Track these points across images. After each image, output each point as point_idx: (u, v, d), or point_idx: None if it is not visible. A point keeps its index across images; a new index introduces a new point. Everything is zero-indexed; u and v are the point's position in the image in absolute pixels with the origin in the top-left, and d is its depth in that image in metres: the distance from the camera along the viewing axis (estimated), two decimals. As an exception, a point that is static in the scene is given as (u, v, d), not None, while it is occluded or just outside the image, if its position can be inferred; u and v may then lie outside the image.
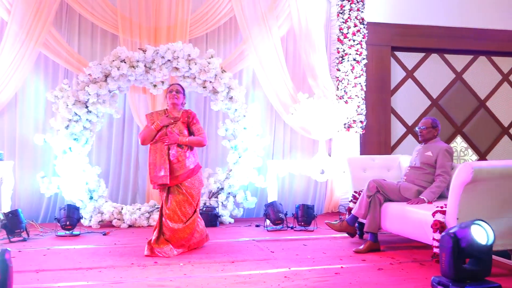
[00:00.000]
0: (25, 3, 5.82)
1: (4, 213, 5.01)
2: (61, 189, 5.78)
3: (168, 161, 4.41)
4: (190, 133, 4.61)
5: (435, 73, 7.78)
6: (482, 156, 7.97)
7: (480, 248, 3.15)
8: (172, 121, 4.53)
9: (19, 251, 4.50)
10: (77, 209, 5.39)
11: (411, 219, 4.23)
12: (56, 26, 6.07)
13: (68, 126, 5.70)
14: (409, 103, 7.67)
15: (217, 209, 5.90)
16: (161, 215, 4.51)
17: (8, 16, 5.82)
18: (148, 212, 5.83)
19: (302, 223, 5.57)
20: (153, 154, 4.49)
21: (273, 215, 5.56)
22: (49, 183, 5.77)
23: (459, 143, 7.93)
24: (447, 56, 7.83)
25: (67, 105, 5.66)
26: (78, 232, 5.28)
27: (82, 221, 5.62)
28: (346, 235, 5.03)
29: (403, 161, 5.41)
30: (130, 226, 5.73)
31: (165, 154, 4.43)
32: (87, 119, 5.77)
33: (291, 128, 6.77)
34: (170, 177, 4.41)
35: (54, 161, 5.84)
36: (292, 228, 5.61)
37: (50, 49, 5.97)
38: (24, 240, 4.96)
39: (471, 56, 7.92)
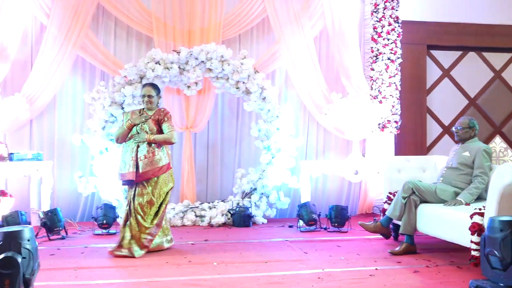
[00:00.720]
0: (63, 7, 5.98)
1: (43, 211, 5.15)
2: (98, 189, 5.90)
3: (136, 158, 4.43)
4: (161, 131, 4.59)
5: (473, 72, 7.58)
6: (522, 157, 7.75)
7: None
8: (144, 120, 4.55)
9: (58, 249, 4.61)
10: (114, 208, 5.49)
11: (448, 221, 4.14)
12: (93, 29, 6.20)
13: (104, 127, 5.81)
14: (445, 103, 7.51)
15: (250, 209, 5.92)
16: (128, 214, 4.46)
17: (47, 20, 5.98)
18: (182, 212, 5.89)
19: (336, 224, 5.53)
20: (124, 152, 4.52)
21: (306, 215, 5.53)
22: (86, 183, 5.90)
23: (498, 143, 7.72)
24: (485, 54, 7.62)
25: (104, 107, 5.77)
26: (114, 231, 5.37)
27: (118, 220, 5.70)
28: (381, 236, 4.96)
29: (439, 161, 5.30)
30: (164, 225, 5.79)
31: (134, 151, 4.46)
32: (122, 120, 5.86)
33: (324, 129, 6.72)
34: (138, 174, 4.42)
35: (91, 161, 5.97)
36: (325, 229, 5.58)
37: (87, 52, 6.11)
38: (63, 238, 5.09)
39: (511, 54, 7.69)
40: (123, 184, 4.58)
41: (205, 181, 6.56)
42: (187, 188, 6.19)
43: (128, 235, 4.40)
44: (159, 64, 5.79)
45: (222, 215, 5.89)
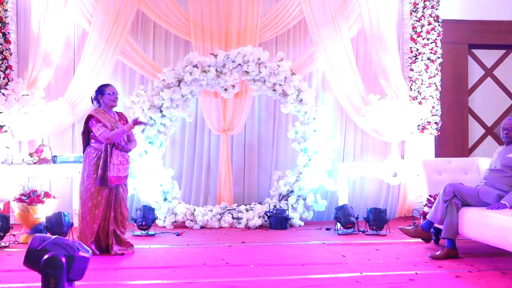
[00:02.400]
0: (104, 14, 6.12)
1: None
2: (137, 191, 6.00)
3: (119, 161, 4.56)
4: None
5: (517, 71, 7.33)
6: None
7: None
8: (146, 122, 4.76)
9: (99, 249, 4.71)
10: (152, 210, 5.57)
11: (491, 225, 4.00)
12: (132, 34, 6.33)
13: (143, 130, 5.91)
14: (488, 103, 7.28)
15: (287, 211, 5.90)
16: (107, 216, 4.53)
17: (89, 26, 6.14)
18: (220, 214, 5.92)
19: (374, 227, 5.44)
20: (115, 155, 4.51)
21: (344, 218, 5.47)
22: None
23: (544, 145, 7.41)
24: (530, 52, 7.37)
25: (143, 110, 5.87)
26: (153, 232, 5.46)
27: (157, 221, 5.79)
28: (421, 240, 4.85)
29: (482, 163, 5.14)
30: (202, 227, 5.85)
31: (120, 154, 4.55)
32: (161, 123, 5.96)
33: (362, 130, 6.63)
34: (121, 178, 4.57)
35: (131, 163, 6.06)
36: (363, 232, 5.50)
37: (127, 57, 6.23)
38: (104, 238, 5.19)
39: (557, 52, 7.40)
40: (112, 185, 4.51)
41: (242, 183, 6.58)
42: (224, 190, 6.22)
43: None
44: (197, 67, 5.84)
45: (259, 217, 5.89)
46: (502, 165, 4.45)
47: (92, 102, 4.70)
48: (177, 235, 5.43)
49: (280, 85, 5.98)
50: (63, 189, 6.14)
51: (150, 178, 5.91)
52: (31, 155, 5.81)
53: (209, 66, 5.87)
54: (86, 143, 4.59)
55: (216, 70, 5.91)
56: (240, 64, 5.92)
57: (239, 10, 6.32)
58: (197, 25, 6.27)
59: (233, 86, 6.02)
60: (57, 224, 4.98)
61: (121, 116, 4.75)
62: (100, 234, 4.54)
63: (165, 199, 5.93)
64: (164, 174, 5.98)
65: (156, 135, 5.96)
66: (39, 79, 5.99)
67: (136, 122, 4.57)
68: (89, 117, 4.49)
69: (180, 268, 4.02)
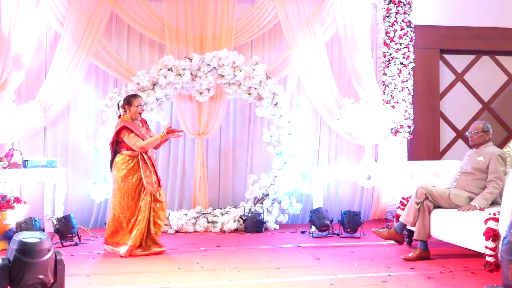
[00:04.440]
0: (77, 16, 6.04)
1: (57, 218, 5.19)
2: (111, 195, 5.92)
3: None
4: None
5: (486, 76, 7.50)
6: (538, 161, 7.63)
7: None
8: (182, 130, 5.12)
9: (71, 255, 4.64)
10: (126, 214, 5.51)
11: (462, 227, 4.11)
12: (106, 36, 6.26)
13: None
14: (459, 107, 7.44)
15: (262, 215, 5.91)
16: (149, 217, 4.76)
17: (62, 28, 6.05)
18: (195, 218, 5.90)
19: (348, 230, 5.50)
20: (153, 158, 4.81)
21: (318, 221, 5.51)
22: (99, 189, 5.94)
23: (512, 148, 7.62)
24: (498, 58, 7.55)
25: (117, 113, 5.81)
26: (127, 237, 5.40)
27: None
28: (394, 242, 4.92)
29: (453, 166, 5.25)
30: (176, 231, 5.82)
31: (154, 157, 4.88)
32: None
33: (336, 134, 6.70)
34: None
35: (104, 167, 6.00)
36: (338, 234, 5.55)
37: (100, 59, 6.16)
38: (76, 244, 5.12)
39: (525, 58, 7.62)
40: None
41: (217, 187, 6.57)
42: (199, 194, 6.20)
43: None
44: (172, 70, 5.82)
45: (234, 221, 5.89)
46: (472, 168, 4.56)
47: (118, 109, 4.98)
48: (151, 239, 5.38)
49: (255, 88, 6.00)
50: (34, 194, 6.02)
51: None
52: (0, 159, 5.69)
53: (184, 69, 5.85)
54: (114, 152, 4.77)
55: (191, 74, 5.90)
56: (215, 67, 5.92)
57: (214, 14, 6.32)
58: (172, 28, 6.24)
59: (208, 89, 6.02)
60: (27, 229, 4.88)
61: (142, 122, 4.91)
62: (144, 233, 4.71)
63: (139, 204, 5.87)
64: (138, 178, 5.92)
65: (130, 138, 5.90)
66: (9, 81, 5.86)
67: (170, 131, 4.73)
68: (121, 129, 4.67)
69: (154, 273, 3.99)
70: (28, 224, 4.91)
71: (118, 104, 5.01)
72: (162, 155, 6.45)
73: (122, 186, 4.66)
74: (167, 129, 4.74)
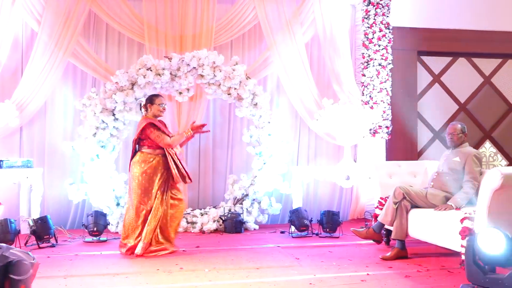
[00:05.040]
0: (54, 14, 5.96)
1: (33, 219, 5.11)
2: (88, 196, 5.87)
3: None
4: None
5: (463, 77, 7.64)
6: (511, 162, 7.80)
7: (490, 258, 3.10)
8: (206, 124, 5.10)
9: (48, 257, 4.58)
10: (104, 215, 5.46)
11: (439, 226, 4.16)
12: (84, 35, 6.19)
13: (95, 133, 5.79)
14: (436, 108, 7.55)
15: (241, 215, 5.91)
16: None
17: (38, 26, 5.96)
18: (174, 218, 5.87)
19: (328, 230, 5.53)
20: (177, 154, 4.83)
21: (298, 221, 5.53)
22: (77, 190, 5.87)
23: (488, 148, 7.77)
24: (475, 60, 7.69)
25: (95, 113, 5.76)
26: (105, 238, 5.35)
27: (109, 227, 5.69)
28: (372, 242, 4.97)
29: (430, 167, 5.32)
30: (156, 232, 5.77)
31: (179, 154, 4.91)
32: (114, 127, 5.86)
33: (316, 134, 6.74)
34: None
35: (82, 168, 5.94)
36: (317, 234, 5.58)
37: (78, 59, 6.09)
38: (53, 246, 5.05)
39: (500, 60, 7.76)
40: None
41: (196, 187, 6.54)
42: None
43: None
44: (151, 70, 5.78)
45: (214, 221, 5.88)
46: (448, 169, 4.63)
47: (140, 109, 5.02)
48: (130, 240, 5.33)
49: (235, 89, 6.00)
50: (10, 195, 5.90)
51: (102, 183, 5.79)
52: (-25, 159, 5.58)
53: (164, 69, 5.82)
54: (135, 150, 4.84)
55: (171, 73, 5.87)
56: (195, 67, 5.90)
57: (194, 13, 6.30)
58: (151, 27, 6.20)
59: (188, 89, 6.00)
60: (2, 231, 4.80)
61: (162, 123, 4.96)
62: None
63: (118, 204, 5.83)
64: (117, 178, 5.88)
65: (108, 138, 5.85)
66: (-16, 80, 5.77)
67: (194, 127, 4.85)
68: (147, 126, 4.72)
69: (133, 274, 3.96)
70: (4, 226, 4.83)
71: (140, 104, 5.08)
72: (141, 156, 6.40)
73: (142, 183, 4.70)
74: (191, 126, 4.87)
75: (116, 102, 5.74)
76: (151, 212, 4.68)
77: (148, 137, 4.72)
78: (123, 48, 6.40)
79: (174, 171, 4.72)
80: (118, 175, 5.92)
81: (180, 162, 4.80)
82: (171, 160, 4.74)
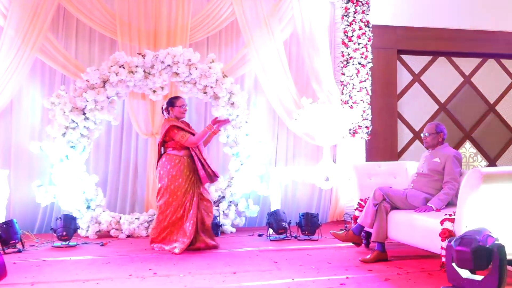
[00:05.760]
0: (21, 8, 5.85)
1: (-2, 223, 5.01)
2: (57, 199, 5.77)
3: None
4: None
5: (443, 77, 7.77)
6: (491, 162, 7.94)
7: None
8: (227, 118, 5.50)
9: (14, 263, 4.48)
10: (74, 219, 5.38)
11: (418, 228, 4.21)
12: (52, 31, 6.09)
13: (65, 133, 5.70)
14: (416, 108, 7.66)
15: (218, 218, 5.88)
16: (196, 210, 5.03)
17: (4, 21, 5.84)
18: (147, 222, 5.82)
19: (306, 232, 5.55)
20: (202, 154, 5.06)
21: (276, 224, 5.54)
22: (45, 192, 5.76)
23: (468, 149, 7.91)
24: (455, 59, 7.82)
25: (64, 112, 5.67)
26: (74, 243, 5.27)
27: (79, 231, 5.61)
28: (352, 244, 5.00)
29: (410, 167, 5.39)
30: (128, 236, 5.73)
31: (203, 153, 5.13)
32: (84, 126, 5.78)
33: (294, 134, 6.76)
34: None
35: (51, 169, 5.84)
36: (295, 237, 5.59)
37: (46, 55, 5.99)
38: (19, 251, 4.95)
39: (480, 59, 7.92)
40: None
41: (171, 189, 6.50)
42: (153, 197, 6.09)
43: None
44: (123, 67, 5.72)
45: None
46: (428, 170, 4.69)
47: (162, 112, 5.26)
48: (101, 245, 5.28)
49: (211, 87, 5.98)
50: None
51: (72, 185, 5.70)
52: None
53: (137, 66, 5.76)
54: (161, 152, 5.11)
55: (144, 71, 5.82)
56: (169, 65, 5.86)
57: (168, 9, 6.26)
58: (124, 23, 6.13)
59: (162, 88, 5.95)
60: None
61: (184, 123, 5.19)
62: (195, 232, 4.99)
63: (88, 207, 5.75)
64: (88, 180, 5.80)
65: (78, 139, 5.77)
66: None
67: (216, 121, 5.08)
68: (170, 128, 4.97)
69: (104, 280, 3.90)
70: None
71: (162, 107, 5.28)
72: (113, 156, 6.35)
73: (169, 185, 4.96)
74: (213, 121, 5.10)
75: (87, 101, 5.66)
76: (185, 213, 4.96)
77: (172, 138, 4.99)
78: (94, 44, 6.32)
79: (201, 171, 4.98)
80: (89, 176, 5.84)
81: (205, 162, 5.01)
82: (198, 160, 4.98)
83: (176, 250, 4.84)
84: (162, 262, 4.49)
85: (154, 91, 5.94)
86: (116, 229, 5.73)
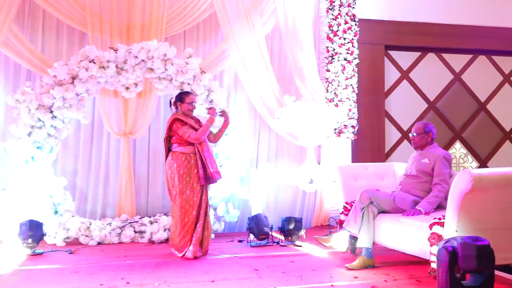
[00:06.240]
0: (-18, -2, 5.77)
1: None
2: (22, 203, 5.69)
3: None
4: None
5: (432, 74, 7.85)
6: (482, 163, 8.04)
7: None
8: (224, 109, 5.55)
9: (-25, 272, 4.42)
10: (40, 225, 5.32)
11: (407, 232, 4.24)
12: (17, 23, 6.02)
13: (30, 133, 5.64)
14: (404, 106, 7.72)
15: (196, 223, 5.87)
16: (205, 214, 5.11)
17: (-36, 12, 5.76)
18: (120, 228, 5.78)
19: (289, 238, 5.56)
20: (207, 151, 5.10)
21: (257, 229, 5.54)
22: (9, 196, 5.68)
23: (458, 149, 8.00)
24: (444, 55, 7.91)
25: (30, 110, 5.59)
26: (41, 251, 5.22)
27: (45, 238, 5.55)
28: (337, 250, 5.02)
29: (398, 169, 5.43)
30: (99, 243, 5.69)
31: (210, 151, 5.18)
32: (51, 126, 5.71)
33: (276, 134, 6.77)
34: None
35: (15, 172, 5.75)
36: (278, 243, 5.60)
37: (10, 48, 5.92)
38: (-19, 260, 4.88)
39: (471, 56, 8.01)
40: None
41: (145, 192, 6.47)
42: (125, 201, 6.09)
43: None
44: (94, 62, 5.67)
45: (165, 230, 5.82)
46: (417, 171, 4.73)
47: (170, 106, 5.30)
48: (69, 253, 5.23)
49: (188, 84, 5.96)
50: None
51: (38, 188, 5.63)
52: None
53: (108, 61, 5.72)
54: (168, 149, 5.15)
55: (117, 67, 5.77)
56: (143, 60, 5.82)
57: (143, 0, 6.22)
58: (95, 15, 6.08)
59: (136, 84, 5.91)
60: None
61: (195, 120, 5.24)
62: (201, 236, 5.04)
63: (56, 212, 5.69)
64: (55, 183, 5.74)
65: (45, 139, 5.70)
66: None
67: (212, 111, 5.17)
68: (174, 121, 5.04)
69: (72, 291, 3.86)
70: None
71: (170, 101, 5.30)
72: (83, 157, 6.30)
73: (178, 185, 5.01)
74: (210, 111, 5.21)
75: (54, 98, 5.60)
76: (196, 214, 5.02)
77: (176, 133, 5.03)
78: (62, 37, 6.27)
79: (200, 171, 5.01)
80: (56, 179, 5.78)
81: (206, 161, 5.02)
82: (199, 158, 5.02)
83: (189, 254, 4.92)
84: (135, 270, 4.45)
85: (127, 88, 5.90)
86: (86, 236, 5.67)
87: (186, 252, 4.95)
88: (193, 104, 5.19)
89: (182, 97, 5.18)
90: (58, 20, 6.17)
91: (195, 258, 4.91)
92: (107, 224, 5.81)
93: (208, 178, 5.04)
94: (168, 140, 5.14)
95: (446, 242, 3.39)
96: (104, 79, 5.75)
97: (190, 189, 5.02)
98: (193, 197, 5.03)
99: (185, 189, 5.01)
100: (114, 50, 5.79)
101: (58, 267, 4.61)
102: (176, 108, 5.19)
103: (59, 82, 5.65)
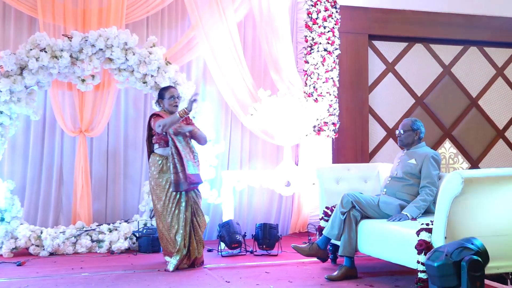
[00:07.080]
0: None
1: None
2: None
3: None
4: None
5: (420, 66, 7.91)
6: (474, 164, 8.16)
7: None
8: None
9: None
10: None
11: (392, 240, 4.29)
12: (-43, 6, 5.94)
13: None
14: (390, 102, 7.77)
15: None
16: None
17: None
18: (75, 236, 5.75)
19: (264, 246, 5.59)
20: (186, 151, 5.06)
21: (228, 237, 5.55)
22: None
23: (447, 149, 8.11)
24: (433, 46, 8.00)
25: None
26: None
27: None
28: (316, 259, 5.06)
29: (383, 170, 5.49)
30: (51, 254, 5.64)
31: (190, 152, 5.15)
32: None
33: (250, 132, 6.79)
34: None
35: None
36: (251, 252, 5.63)
37: (-51, 35, 5.84)
38: None
39: (461, 47, 8.12)
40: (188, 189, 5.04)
41: (104, 197, 6.45)
42: (81, 207, 6.06)
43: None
44: (45, 51, 5.62)
45: (126, 238, 5.81)
46: (403, 173, 4.78)
47: (156, 105, 5.42)
48: (18, 265, 5.18)
49: (152, 76, 5.94)
50: None
51: (-18, 193, 5.56)
52: None
53: (62, 50, 5.67)
54: (150, 150, 5.23)
55: (71, 56, 5.73)
56: (101, 49, 5.79)
57: (100, -18, 6.19)
58: (46, -2, 6.03)
59: (93, 76, 5.89)
60: None
61: (185, 119, 5.24)
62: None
63: (2, 220, 5.63)
64: (1, 187, 5.67)
65: (-11, 137, 5.64)
66: None
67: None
68: (151, 117, 5.12)
69: (21, 307, 3.82)
70: None
71: (155, 101, 5.47)
72: (33, 158, 6.23)
73: (155, 189, 5.08)
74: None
75: (0, 91, 5.53)
76: (175, 223, 5.00)
77: (155, 130, 5.04)
78: (9, 23, 6.20)
79: (172, 175, 4.93)
80: (2, 183, 5.71)
81: (181, 163, 4.92)
82: (172, 159, 4.94)
83: (168, 267, 4.92)
84: (93, 284, 4.44)
85: (83, 80, 5.86)
86: (37, 246, 5.62)
87: (168, 265, 5.00)
88: (174, 98, 5.18)
89: (161, 93, 5.25)
90: (5, 3, 6.09)
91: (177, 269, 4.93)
92: (61, 232, 5.77)
93: (178, 183, 4.94)
94: (150, 141, 5.21)
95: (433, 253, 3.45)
96: (57, 70, 5.70)
97: (165, 195, 5.04)
98: (169, 205, 5.03)
99: (161, 195, 5.04)
100: (68, 37, 5.74)
101: (4, 281, 4.56)
102: (160, 106, 5.26)
103: (5, 73, 5.59)
